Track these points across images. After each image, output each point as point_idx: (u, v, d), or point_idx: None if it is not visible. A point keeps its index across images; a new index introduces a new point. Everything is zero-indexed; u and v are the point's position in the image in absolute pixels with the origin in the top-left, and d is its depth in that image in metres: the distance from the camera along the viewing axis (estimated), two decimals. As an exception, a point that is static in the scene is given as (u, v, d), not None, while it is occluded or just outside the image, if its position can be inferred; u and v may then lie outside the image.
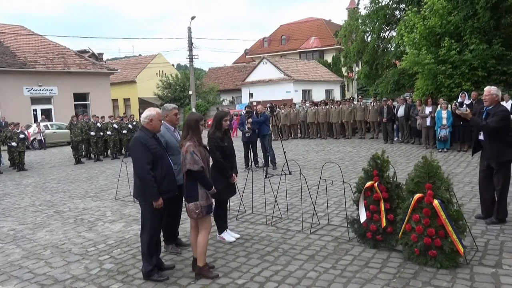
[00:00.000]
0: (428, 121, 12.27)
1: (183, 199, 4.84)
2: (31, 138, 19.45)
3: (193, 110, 30.97)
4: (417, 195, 4.17)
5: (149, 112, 4.26)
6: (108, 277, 4.34)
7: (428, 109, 12.28)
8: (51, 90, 25.70)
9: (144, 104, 38.24)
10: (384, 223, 4.51)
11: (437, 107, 12.09)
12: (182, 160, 4.08)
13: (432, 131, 12.28)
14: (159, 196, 4.07)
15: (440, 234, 4.04)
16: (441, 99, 12.27)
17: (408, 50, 13.99)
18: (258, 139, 10.52)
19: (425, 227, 4.11)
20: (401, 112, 14.08)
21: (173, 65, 48.12)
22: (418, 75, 14.19)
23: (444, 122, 11.56)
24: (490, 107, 5.31)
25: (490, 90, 5.33)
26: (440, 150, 11.66)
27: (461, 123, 11.38)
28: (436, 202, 4.05)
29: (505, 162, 5.22)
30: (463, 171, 8.83)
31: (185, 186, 4.13)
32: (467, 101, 11.46)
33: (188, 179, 4.10)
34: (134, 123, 15.62)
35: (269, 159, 10.49)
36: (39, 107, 25.34)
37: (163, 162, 4.20)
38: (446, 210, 4.05)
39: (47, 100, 25.85)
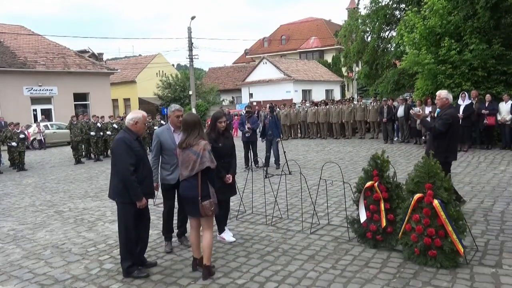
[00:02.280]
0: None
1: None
2: (31, 138, 19.46)
3: (193, 110, 30.99)
4: (417, 195, 4.17)
5: (136, 114, 4.30)
6: (108, 277, 4.34)
7: (428, 109, 12.28)
8: (51, 90, 25.71)
9: (144, 104, 38.25)
10: (384, 223, 4.51)
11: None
12: (196, 158, 4.03)
13: (432, 131, 12.27)
14: (143, 196, 4.13)
15: (440, 234, 4.04)
16: (441, 99, 12.26)
17: (408, 50, 13.97)
18: (263, 139, 10.44)
19: (425, 227, 4.11)
20: (401, 112, 14.08)
21: (173, 65, 48.14)
22: (418, 75, 14.17)
23: (444, 122, 11.55)
24: (440, 110, 5.78)
25: (440, 94, 5.83)
26: (440, 150, 11.64)
27: (459, 122, 11.43)
28: (436, 202, 4.05)
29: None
30: (463, 171, 8.82)
31: (200, 185, 4.09)
32: (467, 101, 11.47)
33: (202, 177, 4.10)
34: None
35: (273, 159, 10.44)
36: (39, 107, 25.34)
37: (144, 165, 4.25)
38: (446, 210, 4.05)
39: (47, 100, 25.86)
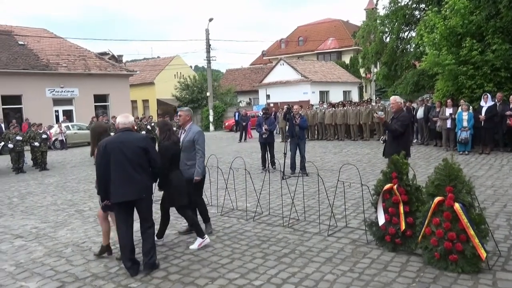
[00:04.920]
0: (448, 123, 12.05)
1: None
2: (53, 139, 19.90)
3: (211, 111, 31.24)
4: (438, 198, 4.10)
5: (129, 118, 4.64)
6: (127, 276, 4.40)
7: (448, 111, 12.06)
8: (73, 91, 26.25)
9: (162, 105, 38.67)
10: (403, 226, 4.45)
11: (457, 108, 11.86)
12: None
13: (453, 133, 12.04)
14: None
15: (462, 239, 3.95)
16: (462, 101, 12.03)
17: (428, 50, 13.73)
18: (288, 142, 9.81)
19: (445, 231, 4.03)
20: (420, 113, 13.87)
21: (191, 66, 48.50)
22: (439, 76, 13.93)
23: (465, 124, 11.32)
24: (395, 113, 6.32)
25: (395, 99, 6.44)
26: (461, 152, 11.42)
27: (481, 124, 11.19)
28: (457, 206, 3.97)
29: None
30: (485, 174, 8.62)
31: None
32: (490, 103, 11.21)
33: None
34: (153, 124, 15.82)
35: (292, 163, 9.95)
36: (61, 108, 25.93)
37: None
38: (468, 214, 3.96)
39: (69, 101, 26.42)
